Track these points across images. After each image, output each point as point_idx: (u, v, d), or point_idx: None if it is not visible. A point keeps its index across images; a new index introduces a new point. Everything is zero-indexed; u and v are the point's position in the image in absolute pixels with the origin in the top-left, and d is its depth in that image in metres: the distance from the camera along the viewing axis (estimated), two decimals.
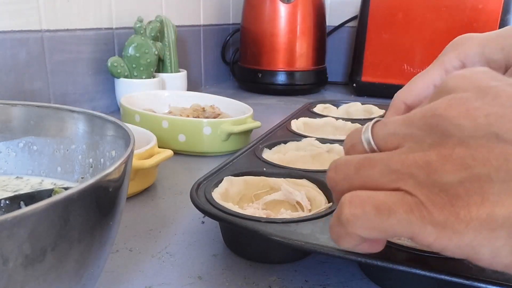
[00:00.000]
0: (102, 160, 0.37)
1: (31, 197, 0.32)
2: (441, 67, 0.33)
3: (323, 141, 0.57)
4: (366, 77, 1.12)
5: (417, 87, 0.33)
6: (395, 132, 0.21)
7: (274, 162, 0.50)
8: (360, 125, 0.65)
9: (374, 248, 0.24)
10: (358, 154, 0.23)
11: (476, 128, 0.19)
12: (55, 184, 0.39)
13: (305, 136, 0.58)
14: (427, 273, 0.29)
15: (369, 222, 0.20)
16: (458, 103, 0.20)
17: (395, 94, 0.34)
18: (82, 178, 0.39)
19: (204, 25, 1.20)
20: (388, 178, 0.20)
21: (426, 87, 0.33)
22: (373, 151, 0.22)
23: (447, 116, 0.19)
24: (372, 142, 0.22)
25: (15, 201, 0.32)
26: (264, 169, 0.47)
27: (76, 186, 0.21)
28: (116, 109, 0.90)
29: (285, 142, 0.56)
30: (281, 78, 1.15)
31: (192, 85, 1.10)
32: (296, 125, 0.66)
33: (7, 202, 0.32)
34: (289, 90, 1.16)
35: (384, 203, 0.20)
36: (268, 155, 0.53)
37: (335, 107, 0.81)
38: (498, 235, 0.18)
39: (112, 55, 0.86)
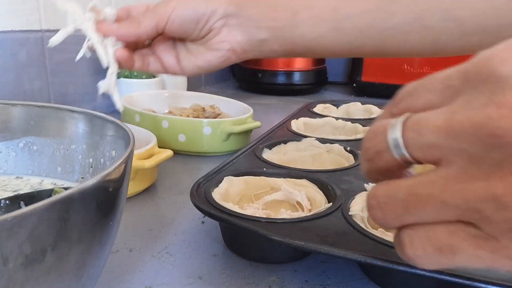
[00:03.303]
0: (102, 160, 0.37)
1: (31, 197, 0.32)
2: None
3: (323, 141, 0.57)
4: (366, 77, 1.12)
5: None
6: (436, 144, 0.17)
7: (274, 162, 0.50)
8: (360, 125, 0.66)
9: None
10: (386, 164, 0.19)
11: None
12: (55, 184, 0.39)
13: (305, 136, 0.58)
14: (427, 273, 0.29)
15: (435, 261, 0.18)
16: (502, 107, 0.15)
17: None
18: (82, 178, 0.39)
19: None
20: (446, 214, 0.17)
21: None
22: (406, 162, 0.19)
23: (505, 132, 0.15)
24: (407, 154, 0.18)
25: (15, 201, 0.32)
26: (264, 169, 0.47)
27: (76, 186, 0.21)
28: (116, 109, 0.90)
29: (285, 142, 0.56)
30: (281, 78, 1.15)
31: (192, 85, 1.10)
32: (296, 125, 0.66)
33: (7, 202, 0.32)
34: (289, 90, 1.16)
35: (446, 244, 0.18)
36: (268, 155, 0.53)
37: (335, 107, 0.81)
38: None
39: None
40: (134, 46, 0.43)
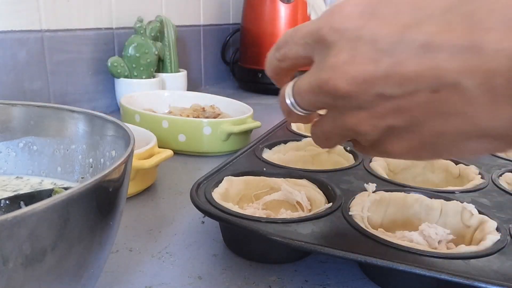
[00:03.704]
0: (102, 160, 0.37)
1: (31, 197, 0.32)
2: None
3: None
4: None
5: None
6: (311, 101, 0.25)
7: (274, 162, 0.50)
8: None
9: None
10: (298, 117, 0.27)
11: (362, 93, 0.22)
12: (55, 184, 0.39)
13: (305, 136, 0.58)
14: (427, 273, 0.29)
15: (360, 150, 0.28)
16: (341, 70, 0.22)
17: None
18: (82, 178, 0.39)
19: (204, 25, 1.20)
20: (345, 138, 0.26)
21: None
22: (306, 113, 0.27)
23: (338, 88, 0.22)
24: (303, 111, 0.26)
25: (15, 201, 0.32)
26: (264, 169, 0.47)
27: (76, 186, 0.21)
28: (116, 109, 0.90)
29: (285, 142, 0.56)
30: None
31: (192, 85, 1.10)
32: (296, 125, 0.65)
33: (7, 202, 0.32)
34: None
35: (358, 147, 0.28)
36: (268, 155, 0.53)
37: None
38: (422, 152, 0.23)
39: (112, 55, 0.86)
40: None
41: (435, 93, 0.20)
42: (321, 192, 0.43)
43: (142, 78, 0.87)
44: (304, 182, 0.44)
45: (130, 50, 0.85)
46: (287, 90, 0.26)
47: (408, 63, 0.20)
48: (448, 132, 0.21)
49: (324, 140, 0.28)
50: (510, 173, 0.48)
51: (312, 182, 0.44)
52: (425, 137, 0.22)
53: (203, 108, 0.76)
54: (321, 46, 0.23)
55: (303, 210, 0.42)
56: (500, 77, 0.18)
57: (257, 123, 0.66)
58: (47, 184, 0.39)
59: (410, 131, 0.22)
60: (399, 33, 0.20)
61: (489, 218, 0.37)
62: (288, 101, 0.26)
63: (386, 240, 0.33)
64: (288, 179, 0.45)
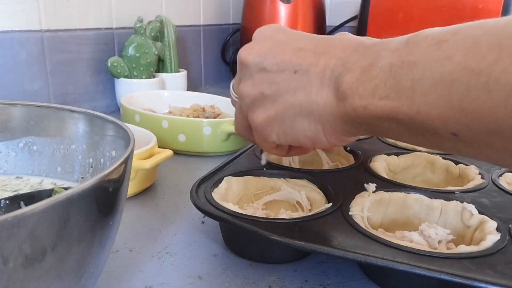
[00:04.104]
0: (102, 160, 0.37)
1: (31, 197, 0.32)
2: None
3: None
4: None
5: None
6: (237, 77, 0.36)
7: (274, 162, 0.50)
8: None
9: (276, 152, 0.39)
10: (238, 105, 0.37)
11: (254, 65, 0.32)
12: (55, 184, 0.39)
13: None
14: (427, 273, 0.29)
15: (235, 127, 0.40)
16: (247, 48, 0.33)
17: None
18: (82, 178, 0.39)
19: (204, 25, 1.20)
20: (238, 111, 0.37)
21: None
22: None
23: (241, 59, 0.33)
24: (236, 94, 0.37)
25: (15, 201, 0.32)
26: (264, 169, 0.47)
27: (76, 186, 0.21)
28: (116, 109, 0.90)
29: None
30: None
31: (192, 85, 1.10)
32: None
33: (7, 202, 0.32)
34: None
35: (236, 116, 0.39)
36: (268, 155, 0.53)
37: None
38: (274, 125, 0.32)
39: (112, 55, 0.86)
40: None
41: (295, 74, 0.30)
42: (321, 192, 0.43)
43: (142, 78, 0.87)
44: (304, 182, 0.44)
45: (130, 50, 0.85)
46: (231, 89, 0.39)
47: (288, 54, 0.31)
48: (293, 105, 0.30)
49: (236, 111, 0.39)
50: (510, 173, 0.48)
51: (312, 182, 0.44)
52: (280, 108, 0.31)
53: (203, 108, 0.76)
54: (241, 66, 0.35)
55: (303, 210, 0.42)
56: (328, 69, 0.30)
57: None
58: (47, 184, 0.39)
59: (273, 101, 0.31)
60: (290, 39, 0.33)
61: (489, 218, 0.37)
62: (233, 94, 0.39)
63: (386, 240, 0.33)
64: (288, 179, 0.45)
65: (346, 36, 0.32)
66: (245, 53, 0.33)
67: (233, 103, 0.39)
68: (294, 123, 0.31)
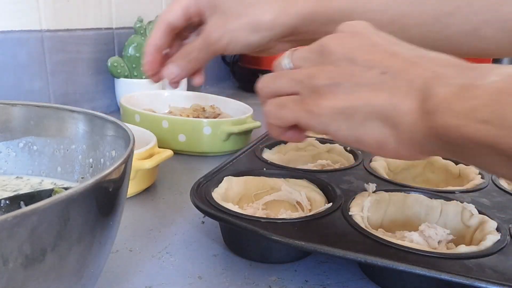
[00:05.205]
0: (102, 160, 0.37)
1: (31, 197, 0.32)
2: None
3: (323, 141, 0.57)
4: None
5: (174, 10, 0.44)
6: (302, 56, 0.33)
7: (274, 162, 0.50)
8: None
9: (294, 138, 0.34)
10: (281, 70, 0.34)
11: (342, 54, 0.30)
12: (55, 184, 0.39)
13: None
14: (427, 273, 0.29)
15: (273, 114, 0.32)
16: (337, 37, 0.31)
17: (159, 16, 0.45)
18: (82, 178, 0.39)
19: None
20: (290, 84, 0.32)
21: (182, 12, 0.44)
22: (290, 68, 0.33)
23: (328, 45, 0.31)
24: (287, 64, 0.33)
25: (15, 201, 0.32)
26: (264, 169, 0.47)
27: (76, 186, 0.21)
28: (116, 109, 0.90)
29: (285, 142, 0.56)
30: None
31: (192, 85, 1.10)
32: None
33: (7, 202, 0.32)
34: None
35: (282, 102, 0.32)
36: (268, 155, 0.53)
37: None
38: (340, 118, 0.29)
39: (112, 55, 0.86)
40: None
41: (383, 74, 0.29)
42: (321, 192, 0.43)
43: (142, 78, 0.87)
44: (304, 182, 0.44)
45: (130, 50, 0.85)
46: (286, 52, 0.34)
47: (380, 54, 0.30)
48: (371, 104, 0.28)
49: (271, 79, 0.34)
50: None
51: (312, 182, 0.44)
52: (353, 102, 0.29)
53: (203, 108, 0.76)
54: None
55: (303, 210, 0.42)
56: (420, 78, 0.27)
57: (257, 123, 0.66)
58: (47, 184, 0.39)
59: (348, 93, 0.29)
60: (385, 42, 0.31)
61: (489, 218, 0.37)
62: (285, 58, 0.34)
63: (386, 240, 0.33)
64: (288, 179, 0.45)
65: (443, 54, 0.29)
66: (335, 42, 0.31)
67: (276, 64, 0.35)
68: (365, 122, 0.29)
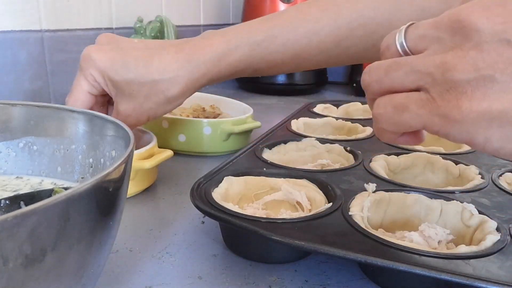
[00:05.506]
0: (102, 160, 0.37)
1: (31, 197, 0.32)
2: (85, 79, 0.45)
3: (323, 141, 0.57)
4: None
5: (77, 97, 0.46)
6: (425, 34, 0.24)
7: (274, 162, 0.50)
8: (360, 126, 0.66)
9: (412, 141, 0.27)
10: (392, 55, 0.25)
11: (492, 33, 0.21)
12: (55, 184, 0.39)
13: (305, 136, 0.58)
14: (427, 273, 0.29)
15: (389, 119, 0.25)
16: (482, 8, 0.22)
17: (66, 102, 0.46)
18: (82, 178, 0.39)
19: (204, 25, 1.20)
20: (411, 78, 0.23)
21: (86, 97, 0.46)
22: (406, 53, 0.25)
23: (470, 21, 0.22)
24: (405, 44, 0.25)
25: (15, 201, 0.32)
26: (264, 169, 0.47)
27: (76, 186, 0.21)
28: None
29: (285, 142, 0.56)
30: (281, 78, 1.15)
31: None
32: (296, 125, 0.66)
33: (7, 202, 0.32)
34: (289, 90, 1.16)
35: (401, 103, 0.24)
36: (268, 155, 0.53)
37: (335, 107, 0.80)
38: (491, 125, 0.21)
39: None
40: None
41: None
42: (321, 192, 0.43)
43: None
44: (304, 182, 0.44)
45: None
46: (402, 27, 0.25)
47: None
48: None
49: (382, 72, 0.25)
50: (510, 173, 0.48)
51: (312, 182, 0.44)
52: (508, 101, 0.21)
53: (203, 108, 0.76)
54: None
55: (303, 210, 0.42)
56: None
57: (257, 123, 0.66)
58: (47, 184, 0.39)
59: (505, 91, 0.21)
60: None
61: (489, 218, 0.37)
62: (398, 35, 0.25)
63: (386, 240, 0.33)
64: (288, 179, 0.45)
65: None
66: (480, 14, 0.22)
67: (386, 45, 0.26)
68: None
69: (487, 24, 0.21)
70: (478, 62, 0.21)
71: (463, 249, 0.32)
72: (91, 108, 0.46)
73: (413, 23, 0.25)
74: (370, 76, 0.26)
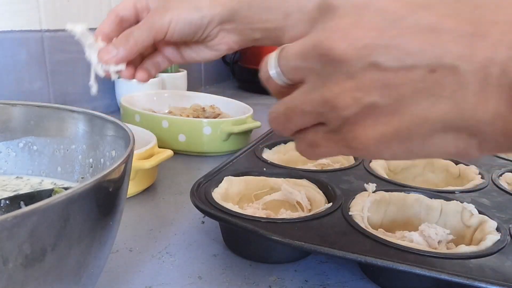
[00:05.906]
0: (102, 160, 0.37)
1: (31, 197, 0.32)
2: None
3: None
4: None
5: (124, 3, 0.44)
6: (296, 67, 0.23)
7: (274, 162, 0.50)
8: None
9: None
10: (276, 88, 0.26)
11: (358, 60, 0.21)
12: (55, 184, 0.39)
13: None
14: (427, 273, 0.29)
15: (311, 154, 0.26)
16: (342, 34, 0.21)
17: (112, 9, 0.44)
18: (82, 178, 0.39)
19: None
20: (308, 119, 0.24)
21: (131, 5, 0.44)
22: (287, 83, 0.25)
23: (334, 53, 0.21)
24: (283, 78, 0.25)
25: (15, 201, 0.32)
26: (264, 169, 0.47)
27: (76, 186, 0.21)
28: (116, 109, 0.90)
29: (285, 142, 0.56)
30: None
31: (192, 85, 1.10)
32: None
33: (7, 202, 0.32)
34: None
35: (311, 140, 0.25)
36: (268, 155, 0.53)
37: None
38: (392, 144, 0.22)
39: None
40: (139, 57, 0.46)
41: (431, 73, 0.20)
42: (321, 192, 0.43)
43: None
44: (304, 182, 0.44)
45: None
46: (273, 56, 0.25)
47: (413, 38, 0.20)
48: (431, 119, 0.21)
49: (283, 120, 0.25)
50: (510, 173, 0.48)
51: (312, 182, 0.44)
52: (403, 123, 0.21)
53: (203, 108, 0.76)
54: (324, 12, 0.22)
55: (303, 210, 0.42)
56: (495, 66, 0.19)
57: (257, 123, 0.66)
58: (47, 184, 0.39)
59: (391, 113, 0.21)
60: (409, 9, 0.20)
61: (489, 218, 0.37)
62: (271, 69, 0.25)
63: (386, 240, 0.33)
64: (288, 179, 0.45)
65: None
66: (340, 43, 0.21)
67: (265, 77, 0.26)
68: (430, 140, 0.21)
69: (351, 51, 0.21)
70: (356, 94, 0.21)
71: (463, 249, 0.32)
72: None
73: (283, 48, 0.24)
74: (276, 125, 0.26)
